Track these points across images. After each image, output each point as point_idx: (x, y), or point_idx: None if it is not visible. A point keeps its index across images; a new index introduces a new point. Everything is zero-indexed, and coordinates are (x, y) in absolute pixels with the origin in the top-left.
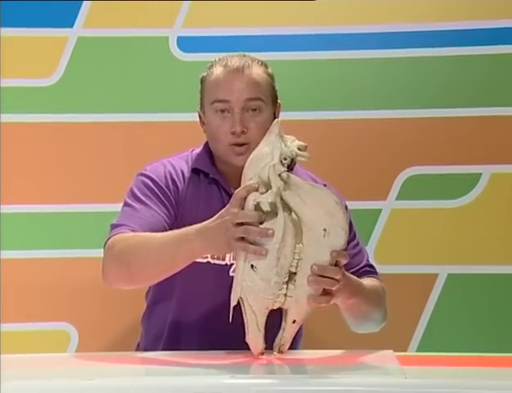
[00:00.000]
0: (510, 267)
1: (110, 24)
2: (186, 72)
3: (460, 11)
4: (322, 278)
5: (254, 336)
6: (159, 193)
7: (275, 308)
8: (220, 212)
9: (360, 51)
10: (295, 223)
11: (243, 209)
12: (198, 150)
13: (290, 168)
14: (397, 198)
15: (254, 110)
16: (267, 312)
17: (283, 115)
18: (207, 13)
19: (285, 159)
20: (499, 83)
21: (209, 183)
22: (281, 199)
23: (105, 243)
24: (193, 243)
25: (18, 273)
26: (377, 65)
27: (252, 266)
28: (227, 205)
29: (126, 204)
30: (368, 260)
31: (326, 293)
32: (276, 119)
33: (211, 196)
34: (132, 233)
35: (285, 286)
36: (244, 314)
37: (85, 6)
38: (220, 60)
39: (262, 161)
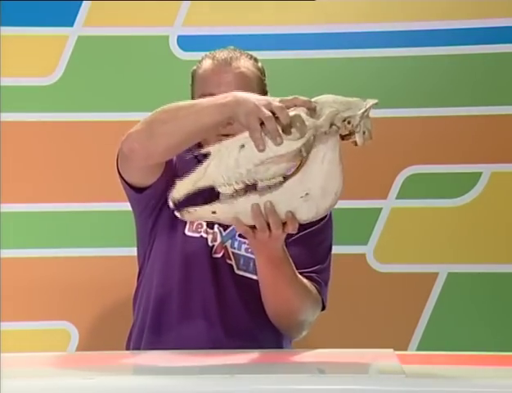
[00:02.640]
0: (511, 266)
1: (111, 23)
2: (186, 71)
3: (460, 10)
4: (262, 219)
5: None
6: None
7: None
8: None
9: (360, 49)
10: (300, 161)
11: None
12: None
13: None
14: (398, 197)
15: None
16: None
17: None
18: (207, 12)
19: (350, 126)
20: (499, 81)
21: (198, 163)
22: (313, 139)
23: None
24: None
25: (18, 272)
26: (377, 63)
27: (241, 146)
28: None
29: None
30: (323, 281)
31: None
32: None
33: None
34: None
35: (239, 186)
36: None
37: (85, 5)
38: (210, 53)
39: (342, 106)
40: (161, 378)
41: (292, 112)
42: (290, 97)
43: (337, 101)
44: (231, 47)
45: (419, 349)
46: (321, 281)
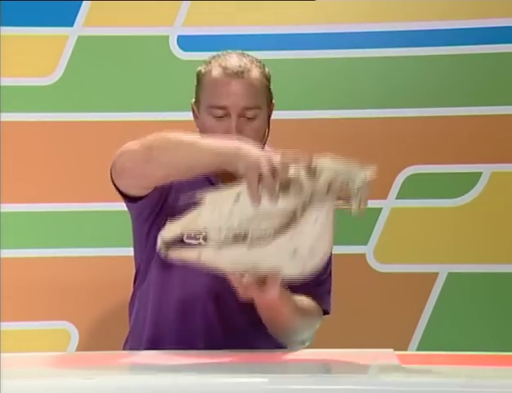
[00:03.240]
0: (511, 266)
1: (111, 23)
2: (186, 71)
3: (460, 10)
4: (241, 285)
5: None
6: None
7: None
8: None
9: (361, 49)
10: (290, 218)
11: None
12: None
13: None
14: (398, 197)
15: (250, 118)
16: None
17: (283, 114)
18: (207, 12)
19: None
20: (500, 81)
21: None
22: (309, 199)
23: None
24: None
25: (18, 272)
26: (377, 63)
27: (237, 197)
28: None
29: None
30: (325, 291)
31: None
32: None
33: (195, 181)
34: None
35: (229, 235)
36: None
37: (85, 5)
38: (219, 58)
39: (341, 171)
40: (161, 378)
41: (292, 170)
42: (292, 154)
43: (337, 165)
44: (240, 51)
45: (419, 349)
46: (322, 292)
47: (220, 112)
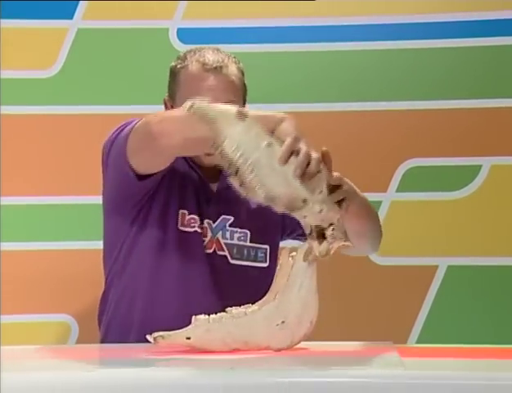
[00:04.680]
0: (510, 259)
1: (110, 16)
2: None
3: (460, 3)
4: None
5: None
6: None
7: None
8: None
9: (360, 42)
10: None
11: None
12: None
13: None
14: (398, 190)
15: None
16: None
17: (285, 106)
18: (207, 5)
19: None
20: (499, 74)
21: (179, 163)
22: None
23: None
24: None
25: (18, 265)
26: (377, 56)
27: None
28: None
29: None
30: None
31: None
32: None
33: (182, 171)
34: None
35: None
36: None
37: None
38: (195, 53)
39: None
40: (161, 371)
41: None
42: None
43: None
44: (214, 47)
45: (418, 342)
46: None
47: None
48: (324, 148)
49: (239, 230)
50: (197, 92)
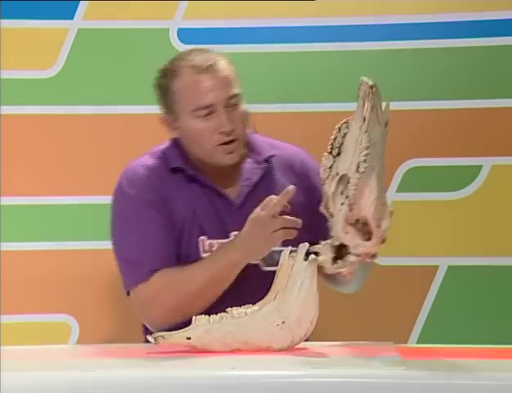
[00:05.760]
0: (511, 259)
1: (111, 16)
2: None
3: (459, 2)
4: None
5: None
6: (154, 212)
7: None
8: (250, 218)
9: (361, 42)
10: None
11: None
12: (167, 147)
13: None
14: (398, 190)
15: (235, 105)
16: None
17: (285, 106)
18: (207, 5)
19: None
20: (500, 74)
21: (189, 182)
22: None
23: (130, 288)
24: (233, 258)
25: (18, 265)
26: (377, 56)
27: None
28: (257, 209)
29: (127, 230)
30: None
31: None
32: None
33: (193, 195)
34: (164, 276)
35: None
36: None
37: None
38: (181, 61)
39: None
40: (161, 371)
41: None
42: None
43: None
44: (194, 49)
45: (419, 342)
46: None
47: (205, 111)
48: None
49: None
50: (198, 97)
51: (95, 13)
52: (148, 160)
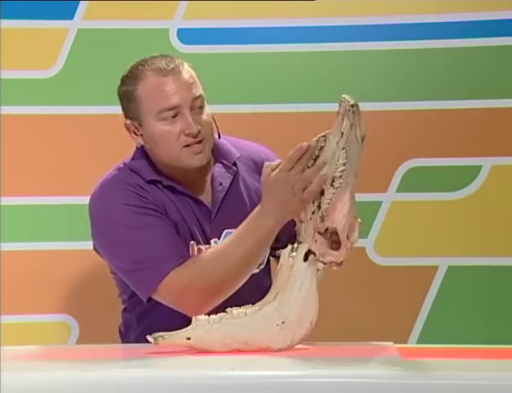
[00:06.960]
0: (510, 259)
1: (111, 17)
2: None
3: (459, 2)
4: None
5: None
6: (153, 212)
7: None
8: (266, 181)
9: (361, 43)
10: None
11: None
12: (135, 161)
13: None
14: (398, 190)
15: (200, 107)
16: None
17: (285, 106)
18: (207, 5)
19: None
20: (500, 75)
21: (162, 192)
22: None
23: (157, 285)
24: (267, 225)
25: (18, 265)
26: (377, 56)
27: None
28: (279, 170)
29: (131, 236)
30: None
31: None
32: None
33: (177, 202)
34: (193, 262)
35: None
36: None
37: None
38: (144, 66)
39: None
40: (161, 371)
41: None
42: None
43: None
44: (155, 55)
45: (419, 342)
46: None
47: (171, 113)
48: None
49: None
50: (163, 99)
51: (95, 13)
52: (122, 175)
